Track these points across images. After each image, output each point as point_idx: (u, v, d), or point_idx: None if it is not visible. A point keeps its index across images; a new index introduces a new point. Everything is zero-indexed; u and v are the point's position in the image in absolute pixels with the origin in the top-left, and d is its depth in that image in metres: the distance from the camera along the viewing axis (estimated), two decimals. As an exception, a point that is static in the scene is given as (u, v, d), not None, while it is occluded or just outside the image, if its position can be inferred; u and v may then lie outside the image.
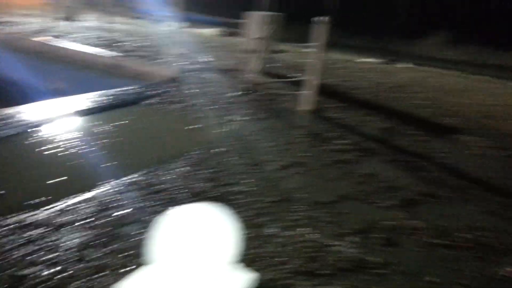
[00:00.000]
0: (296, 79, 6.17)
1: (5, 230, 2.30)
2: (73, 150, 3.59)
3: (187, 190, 3.01)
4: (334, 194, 3.23)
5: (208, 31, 13.07)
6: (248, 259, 2.24)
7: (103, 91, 5.42)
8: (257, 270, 2.16)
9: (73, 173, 3.15)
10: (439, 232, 2.82)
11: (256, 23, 6.93)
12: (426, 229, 2.83)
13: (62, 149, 3.60)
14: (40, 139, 3.79)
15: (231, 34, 12.17)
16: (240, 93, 5.94)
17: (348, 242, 2.57)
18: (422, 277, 2.32)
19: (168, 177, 3.19)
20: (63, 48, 8.21)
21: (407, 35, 12.27)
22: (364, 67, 9.71)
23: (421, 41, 12.31)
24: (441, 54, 11.84)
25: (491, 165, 4.13)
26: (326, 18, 5.13)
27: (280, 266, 2.25)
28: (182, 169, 3.38)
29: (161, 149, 3.89)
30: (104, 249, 2.23)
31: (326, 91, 6.19)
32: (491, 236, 2.84)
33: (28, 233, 2.30)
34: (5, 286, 1.90)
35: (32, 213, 2.50)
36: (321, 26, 5.17)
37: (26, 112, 4.34)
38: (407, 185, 3.51)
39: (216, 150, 3.87)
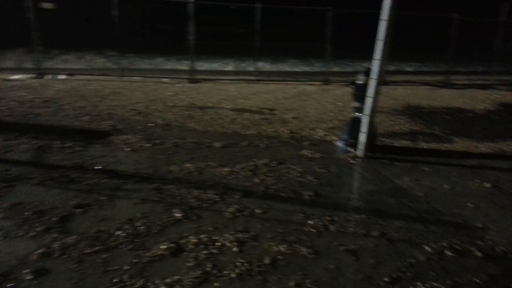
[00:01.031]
0: None
1: None
2: None
3: None
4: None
5: None
6: None
7: None
8: None
9: None
10: (96, 238, 2.80)
11: None
12: (82, 241, 2.74)
13: None
14: None
15: None
16: None
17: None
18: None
19: None
20: None
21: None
22: (12, 84, 8.62)
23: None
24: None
25: (141, 158, 4.51)
26: None
27: None
28: None
29: None
30: None
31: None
32: (146, 222, 3.06)
33: None
34: None
35: None
36: None
37: None
38: (59, 202, 3.30)
39: None
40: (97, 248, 2.68)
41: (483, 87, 12.02)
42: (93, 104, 7.12)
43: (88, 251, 2.64)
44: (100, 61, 13.24)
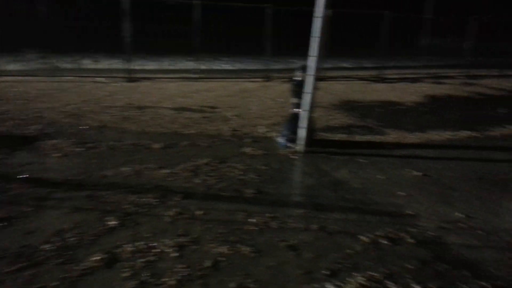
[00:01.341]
0: None
1: None
2: None
3: None
4: None
5: None
6: None
7: None
8: None
9: None
10: (20, 254, 2.56)
11: None
12: (4, 258, 2.50)
13: None
14: None
15: None
16: None
17: None
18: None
19: None
20: None
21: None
22: None
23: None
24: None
25: (72, 164, 4.23)
26: None
27: None
28: None
29: None
30: None
31: None
32: (77, 233, 2.87)
33: None
34: None
35: None
36: None
37: None
38: (-23, 217, 2.99)
39: None
40: (20, 265, 2.46)
41: (412, 80, 12.80)
42: (18, 108, 6.59)
43: (10, 269, 2.41)
44: (27, 61, 12.29)
